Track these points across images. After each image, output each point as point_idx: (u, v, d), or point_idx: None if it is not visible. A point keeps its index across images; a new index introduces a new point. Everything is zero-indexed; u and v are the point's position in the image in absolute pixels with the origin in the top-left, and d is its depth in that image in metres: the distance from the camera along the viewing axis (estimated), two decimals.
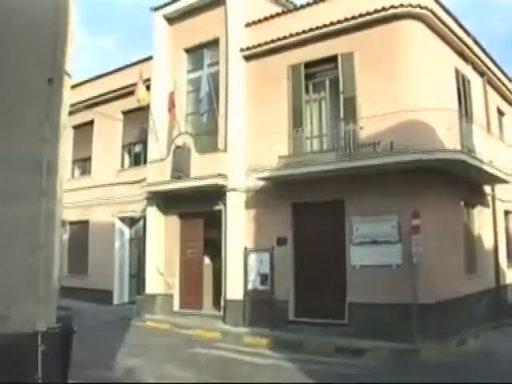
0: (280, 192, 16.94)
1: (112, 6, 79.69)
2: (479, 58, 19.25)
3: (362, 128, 15.24)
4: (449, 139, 14.66)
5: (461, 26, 18.20)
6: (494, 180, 17.81)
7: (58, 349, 5.98)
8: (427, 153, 13.76)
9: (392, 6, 15.28)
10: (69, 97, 6.16)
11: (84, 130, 25.83)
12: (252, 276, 17.50)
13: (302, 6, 17.88)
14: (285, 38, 17.52)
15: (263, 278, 17.24)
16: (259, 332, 15.91)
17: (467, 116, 17.61)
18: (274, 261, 17.03)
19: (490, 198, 19.36)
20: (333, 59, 16.59)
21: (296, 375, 11.30)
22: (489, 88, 20.68)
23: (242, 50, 18.68)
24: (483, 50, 20.00)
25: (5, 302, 5.22)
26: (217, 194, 18.29)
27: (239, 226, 18.01)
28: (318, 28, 16.72)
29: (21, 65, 5.51)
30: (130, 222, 23.98)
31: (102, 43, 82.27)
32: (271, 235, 17.19)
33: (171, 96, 20.12)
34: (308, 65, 17.15)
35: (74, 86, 22.05)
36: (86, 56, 72.32)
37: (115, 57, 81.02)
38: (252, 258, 17.59)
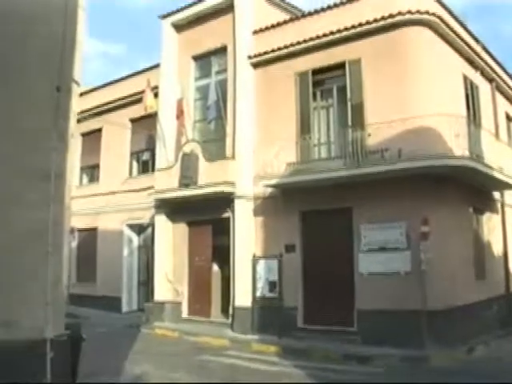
0: (288, 199, 16.93)
1: (123, 13, 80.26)
2: (488, 64, 19.18)
3: (369, 135, 15.21)
4: (457, 145, 14.62)
5: (469, 32, 18.17)
6: (503, 186, 17.71)
7: (66, 356, 6.00)
8: (435, 159, 13.74)
9: (399, 13, 15.28)
10: (77, 104, 6.20)
11: (92, 138, 25.93)
12: (260, 283, 17.47)
13: (310, 14, 17.87)
14: (292, 45, 17.54)
15: (272, 286, 17.19)
16: (268, 339, 15.88)
17: (475, 122, 17.55)
18: (282, 268, 17.00)
19: (499, 204, 19.23)
20: (340, 66, 16.58)
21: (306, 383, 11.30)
22: (497, 94, 20.59)
23: (249, 57, 18.72)
24: (492, 56, 19.93)
25: (14, 309, 5.24)
26: (225, 201, 18.28)
27: (247, 234, 17.99)
28: (325, 35, 16.73)
29: (29, 73, 5.55)
30: (139, 229, 24.00)
31: (113, 50, 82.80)
32: (279, 242, 17.17)
33: (179, 103, 20.16)
34: (316, 72, 17.16)
35: (82, 94, 22.12)
36: (97, 63, 72.78)
37: (127, 64, 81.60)
38: (260, 265, 17.56)
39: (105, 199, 24.48)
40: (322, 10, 17.38)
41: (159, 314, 19.86)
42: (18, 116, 5.39)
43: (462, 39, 17.05)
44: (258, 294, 17.48)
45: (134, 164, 24.65)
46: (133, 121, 24.27)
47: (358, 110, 15.98)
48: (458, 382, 10.81)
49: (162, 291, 20.17)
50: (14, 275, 5.23)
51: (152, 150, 22.60)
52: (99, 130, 25.80)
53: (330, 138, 17.09)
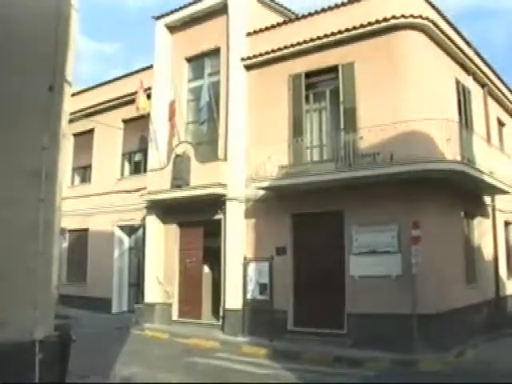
0: (280, 202, 16.92)
1: (118, 13, 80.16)
2: (480, 69, 19.26)
3: (362, 138, 15.24)
4: (449, 150, 14.66)
5: (462, 36, 18.25)
6: (494, 190, 17.79)
7: (55, 357, 5.97)
8: (427, 163, 13.76)
9: (393, 17, 15.31)
10: (69, 105, 6.18)
11: (84, 138, 25.86)
12: (251, 285, 17.46)
13: (304, 16, 17.91)
14: (286, 47, 17.55)
15: (262, 288, 17.19)
16: (258, 342, 15.87)
17: (467, 126, 17.61)
18: (273, 270, 16.99)
19: (490, 209, 19.32)
20: (333, 69, 16.60)
21: None
22: (489, 98, 20.67)
23: (242, 59, 18.72)
24: (484, 61, 20.04)
25: (2, 309, 5.21)
26: (216, 203, 18.27)
27: (238, 236, 17.97)
28: (318, 38, 16.75)
29: (21, 73, 5.52)
30: (130, 230, 23.94)
31: (108, 50, 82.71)
32: (270, 245, 17.15)
33: (172, 105, 20.15)
34: (309, 74, 17.18)
35: (74, 94, 22.10)
36: (90, 63, 72.62)
37: (120, 64, 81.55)
38: (251, 267, 17.55)
39: (96, 200, 24.41)
40: (316, 12, 17.40)
41: (149, 316, 19.81)
42: (9, 116, 5.37)
43: (455, 43, 17.11)
44: (249, 296, 17.46)
45: (126, 165, 24.59)
46: (125, 121, 24.23)
47: (351, 113, 16.00)
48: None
49: (153, 293, 20.11)
50: (3, 276, 5.20)
51: (144, 150, 22.58)
52: (91, 131, 25.71)
53: (322, 140, 17.08)
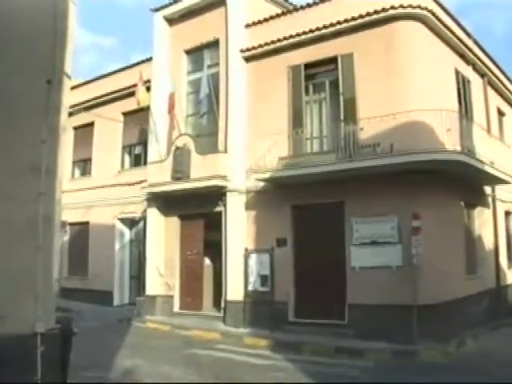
0: (280, 193, 16.93)
1: (115, 6, 79.97)
2: (480, 59, 19.22)
3: (362, 129, 15.22)
4: (449, 140, 14.65)
5: (461, 26, 18.18)
6: (495, 180, 17.78)
7: (57, 350, 5.99)
8: (427, 154, 13.74)
9: (392, 7, 15.27)
10: (68, 98, 6.16)
11: (84, 131, 25.84)
12: (252, 277, 17.49)
13: (302, 7, 17.84)
14: (285, 39, 17.51)
15: (263, 279, 17.22)
16: (259, 333, 15.92)
17: (467, 117, 17.59)
18: (274, 262, 17.01)
19: (490, 199, 19.31)
20: (333, 60, 16.58)
21: (296, 376, 11.32)
22: (489, 88, 20.64)
23: (242, 51, 18.68)
24: (484, 51, 19.97)
25: (4, 303, 5.22)
26: (217, 195, 18.27)
27: (239, 228, 17.99)
28: (317, 29, 16.71)
29: (19, 66, 5.51)
30: (131, 223, 23.95)
31: (104, 43, 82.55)
32: (271, 236, 17.17)
33: (171, 97, 20.10)
34: (308, 66, 17.14)
35: (74, 87, 22.07)
36: (88, 56, 72.51)
37: (118, 57, 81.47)
38: (252, 259, 17.57)
39: (97, 193, 24.39)
40: (315, 3, 17.36)
41: (151, 308, 19.86)
42: (7, 110, 5.36)
43: (454, 34, 17.06)
44: (250, 287, 17.50)
45: (126, 157, 24.58)
46: (125, 114, 24.18)
47: (351, 104, 15.98)
48: (451, 379, 10.83)
49: (154, 285, 20.16)
50: (3, 269, 5.21)
51: (144, 143, 22.57)
52: (91, 124, 25.69)
53: (322, 131, 17.08)
